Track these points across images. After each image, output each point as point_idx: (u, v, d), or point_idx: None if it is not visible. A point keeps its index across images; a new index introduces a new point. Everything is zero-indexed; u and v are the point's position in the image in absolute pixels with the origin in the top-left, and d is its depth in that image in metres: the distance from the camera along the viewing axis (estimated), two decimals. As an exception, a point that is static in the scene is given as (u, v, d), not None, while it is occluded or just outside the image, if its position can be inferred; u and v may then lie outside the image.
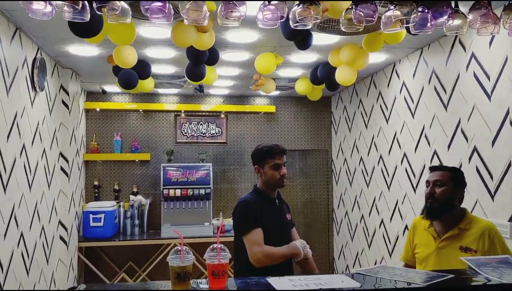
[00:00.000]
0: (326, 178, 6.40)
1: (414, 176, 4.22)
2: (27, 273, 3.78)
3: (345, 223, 5.92)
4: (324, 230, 6.38)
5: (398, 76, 4.54)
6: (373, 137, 5.11)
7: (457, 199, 2.63)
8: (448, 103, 3.73)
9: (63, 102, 4.76)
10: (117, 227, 5.47)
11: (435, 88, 3.88)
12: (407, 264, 2.82)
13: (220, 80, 5.14)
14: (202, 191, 5.46)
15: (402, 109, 4.45)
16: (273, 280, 1.95)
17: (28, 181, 3.81)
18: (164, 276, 5.88)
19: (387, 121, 4.77)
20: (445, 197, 2.61)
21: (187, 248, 1.90)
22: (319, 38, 3.64)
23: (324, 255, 6.33)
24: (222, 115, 6.14)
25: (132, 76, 4.05)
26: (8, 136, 3.38)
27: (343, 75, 3.98)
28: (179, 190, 5.41)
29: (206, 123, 6.10)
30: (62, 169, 4.71)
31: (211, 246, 1.91)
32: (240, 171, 6.16)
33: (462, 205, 2.66)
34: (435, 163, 3.84)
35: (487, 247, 2.47)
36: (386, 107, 4.79)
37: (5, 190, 3.33)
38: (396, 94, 4.57)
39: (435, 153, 3.89)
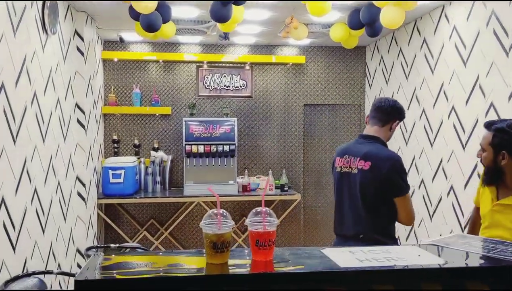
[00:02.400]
0: (357, 134, 5.91)
1: (464, 131, 3.73)
2: (43, 232, 3.47)
3: (377, 183, 5.49)
4: (353, 189, 5.96)
5: (448, 20, 3.98)
6: (414, 90, 4.59)
7: (506, 166, 2.26)
8: (510, 49, 3.20)
9: (78, 49, 4.33)
10: (137, 184, 5.14)
11: (495, 32, 3.34)
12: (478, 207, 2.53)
13: (247, 25, 4.62)
14: (226, 148, 5.06)
15: (451, 57, 3.91)
16: (330, 253, 1.55)
17: (41, 132, 3.45)
18: (187, 235, 5.60)
19: (432, 71, 4.24)
20: (488, 164, 2.32)
21: (224, 211, 1.51)
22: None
23: (353, 215, 5.94)
24: (247, 67, 5.65)
25: (155, 17, 3.57)
26: (16, 83, 2.98)
27: (390, 17, 3.45)
28: (202, 146, 5.02)
29: (230, 75, 5.63)
30: (78, 121, 4.34)
31: (254, 210, 1.51)
32: (266, 127, 5.73)
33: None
34: (492, 117, 3.35)
35: None
36: (432, 56, 4.24)
37: (14, 142, 2.96)
38: (445, 41, 4.02)
39: (491, 105, 3.39)
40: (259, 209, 1.50)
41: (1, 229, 2.79)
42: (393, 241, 2.57)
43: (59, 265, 3.81)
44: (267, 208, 1.52)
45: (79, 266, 4.20)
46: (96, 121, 4.83)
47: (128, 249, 5.11)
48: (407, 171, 2.58)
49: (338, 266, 1.43)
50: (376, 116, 2.63)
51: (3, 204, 2.81)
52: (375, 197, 2.47)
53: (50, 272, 3.21)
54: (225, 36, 4.48)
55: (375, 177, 2.45)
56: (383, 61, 5.33)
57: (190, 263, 1.54)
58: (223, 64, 5.59)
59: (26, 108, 3.15)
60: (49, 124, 3.61)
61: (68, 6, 4.08)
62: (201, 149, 5.01)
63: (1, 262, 2.77)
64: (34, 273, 3.11)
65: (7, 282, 2.82)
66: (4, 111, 2.81)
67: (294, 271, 1.41)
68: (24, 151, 3.13)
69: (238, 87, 5.64)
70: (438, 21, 4.12)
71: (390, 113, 2.61)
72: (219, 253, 1.43)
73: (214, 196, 4.98)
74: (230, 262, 1.47)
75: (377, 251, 1.61)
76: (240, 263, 1.50)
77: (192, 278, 1.39)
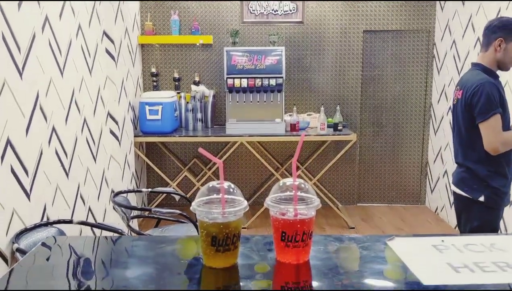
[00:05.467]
0: (425, 65, 5.05)
1: None
2: (66, 175, 3.09)
3: (446, 121, 4.69)
4: (418, 129, 5.19)
5: None
6: (499, 10, 3.65)
7: None
8: None
9: (103, -32, 3.73)
10: (177, 121, 4.66)
11: None
12: None
13: None
14: (272, 81, 4.39)
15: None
16: (403, 250, 0.94)
17: (57, 63, 2.95)
18: (230, 176, 5.16)
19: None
20: None
21: (232, 185, 0.94)
22: None
23: (416, 158, 5.23)
24: (299, -12, 4.82)
25: None
26: (19, 5, 2.46)
27: None
28: (245, 80, 4.39)
29: (279, -2, 4.84)
30: (107, 51, 3.82)
31: (280, 182, 0.93)
32: (318, 57, 4.97)
33: None
34: None
35: None
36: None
37: (21, 75, 2.49)
38: None
39: None
40: (288, 181, 0.91)
41: (9, 174, 2.40)
42: (490, 172, 2.40)
43: (89, 209, 3.47)
44: (300, 181, 0.93)
45: (114, 209, 3.88)
46: (129, 51, 4.30)
47: (164, 194, 4.75)
48: (495, 98, 2.34)
49: (419, 283, 0.84)
50: (482, 41, 2.49)
51: (9, 146, 2.39)
52: (466, 125, 2.45)
53: (69, 222, 2.88)
54: None
55: (464, 104, 2.43)
56: (464, -25, 4.31)
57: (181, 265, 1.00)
58: (271, -15, 4.80)
59: (35, 35, 2.64)
60: (68, 54, 3.12)
61: None
62: (244, 82, 4.38)
63: (11, 212, 2.40)
64: (49, 224, 2.77)
65: (18, 235, 2.48)
66: (3, 37, 2.31)
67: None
68: (35, 85, 2.66)
69: (287, 11, 4.86)
70: None
71: (490, 33, 2.40)
72: (222, 253, 0.87)
73: (260, 136, 4.46)
74: (242, 262, 0.92)
75: (478, 245, 0.99)
76: (255, 266, 0.95)
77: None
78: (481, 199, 2.40)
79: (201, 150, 0.99)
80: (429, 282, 0.83)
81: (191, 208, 0.90)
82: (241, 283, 0.88)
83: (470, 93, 2.38)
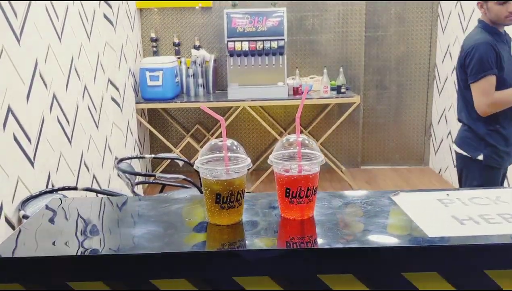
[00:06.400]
0: (429, 24, 4.94)
1: None
2: (69, 142, 3.09)
3: (451, 82, 4.63)
4: (421, 90, 5.13)
5: None
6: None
7: None
8: None
9: None
10: (179, 87, 4.62)
11: None
12: None
13: None
14: (274, 44, 4.33)
15: None
16: (408, 204, 0.95)
17: (54, 28, 2.91)
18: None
19: None
20: None
21: (235, 142, 0.93)
22: None
23: (420, 119, 5.20)
24: None
25: None
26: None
27: None
28: (246, 43, 4.32)
29: (279, -43, 4.70)
30: (105, 16, 3.75)
31: (283, 139, 0.92)
32: (321, 19, 4.86)
33: None
34: None
35: None
36: None
37: (19, 40, 2.46)
38: None
39: None
40: (291, 138, 0.90)
41: (12, 142, 2.40)
42: (489, 131, 2.41)
43: (94, 176, 3.49)
44: (304, 137, 0.91)
45: (118, 176, 3.90)
46: (129, 17, 4.23)
47: (168, 161, 4.75)
48: (489, 59, 2.33)
49: (424, 235, 0.84)
50: None
51: (10, 114, 2.39)
52: (463, 84, 2.47)
53: (74, 188, 2.90)
54: None
55: (459, 64, 2.48)
56: None
57: (186, 220, 1.00)
58: None
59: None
60: (66, 20, 3.06)
61: None
62: (245, 46, 4.32)
63: (15, 179, 2.42)
64: (54, 191, 2.79)
65: (24, 203, 2.50)
66: (-2, 3, 2.26)
67: (350, 247, 0.84)
68: (34, 52, 2.63)
69: (288, -29, 4.73)
70: None
71: None
72: (226, 210, 0.88)
73: (261, 100, 4.43)
74: (246, 219, 0.92)
75: (483, 198, 0.99)
76: (259, 222, 0.95)
77: (172, 256, 0.86)
78: (480, 157, 2.40)
79: (203, 107, 0.98)
80: (434, 234, 0.83)
81: (194, 166, 0.90)
82: (246, 240, 0.89)
83: (464, 54, 2.41)
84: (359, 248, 0.82)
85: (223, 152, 0.88)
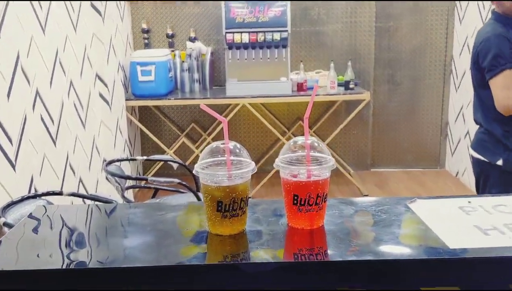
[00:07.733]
0: (446, 14, 4.95)
1: None
2: (54, 142, 3.09)
3: (469, 77, 4.61)
4: (437, 86, 5.14)
5: None
6: None
7: None
8: None
9: None
10: (173, 83, 4.63)
11: None
12: None
13: None
14: (276, 36, 4.34)
15: None
16: (426, 212, 0.94)
17: (38, 19, 2.91)
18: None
19: None
20: None
21: (238, 144, 0.93)
22: None
23: (435, 118, 5.21)
24: None
25: None
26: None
27: None
28: (246, 35, 4.33)
29: None
30: (92, 5, 3.75)
31: (290, 141, 0.92)
32: (328, 8, 4.87)
33: None
34: None
35: None
36: None
37: (-3, 32, 2.46)
38: None
39: None
40: (299, 140, 0.90)
41: (-10, 143, 2.40)
42: (507, 133, 2.39)
43: (80, 180, 3.49)
44: (314, 139, 0.91)
45: (107, 179, 3.90)
46: (118, 5, 4.23)
47: (160, 163, 4.75)
48: (503, 52, 2.32)
49: (445, 246, 0.84)
50: None
51: (-11, 113, 2.39)
52: (478, 82, 2.47)
53: (59, 193, 2.90)
54: None
55: (472, 61, 2.47)
56: None
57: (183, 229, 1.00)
58: None
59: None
60: (50, 9, 3.06)
61: None
62: (245, 37, 4.32)
63: (-4, 184, 2.42)
64: (37, 196, 2.78)
65: (4, 209, 2.49)
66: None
67: (365, 259, 0.84)
68: (15, 44, 2.63)
69: (292, -44, 4.74)
70: None
71: None
72: (228, 219, 0.87)
73: (262, 97, 4.44)
74: (250, 228, 0.91)
75: (507, 206, 0.98)
76: (264, 232, 0.94)
77: (169, 269, 0.85)
78: (499, 162, 2.40)
79: (203, 106, 0.98)
80: (456, 245, 0.83)
81: (193, 171, 0.89)
82: (250, 251, 0.88)
83: (476, 50, 2.41)
84: (373, 260, 0.82)
85: (225, 155, 0.87)
